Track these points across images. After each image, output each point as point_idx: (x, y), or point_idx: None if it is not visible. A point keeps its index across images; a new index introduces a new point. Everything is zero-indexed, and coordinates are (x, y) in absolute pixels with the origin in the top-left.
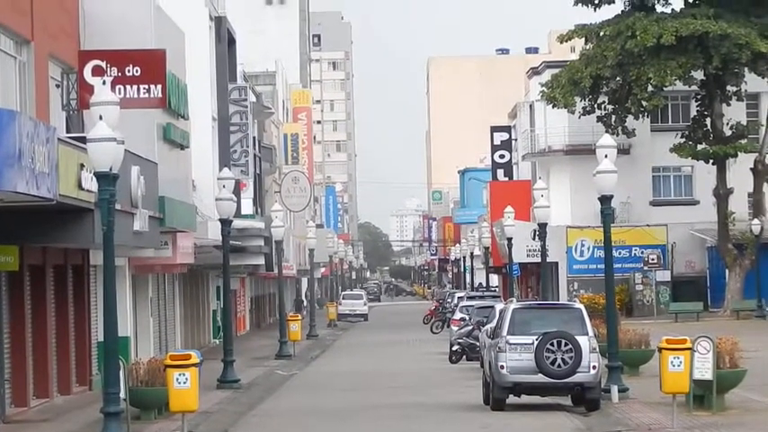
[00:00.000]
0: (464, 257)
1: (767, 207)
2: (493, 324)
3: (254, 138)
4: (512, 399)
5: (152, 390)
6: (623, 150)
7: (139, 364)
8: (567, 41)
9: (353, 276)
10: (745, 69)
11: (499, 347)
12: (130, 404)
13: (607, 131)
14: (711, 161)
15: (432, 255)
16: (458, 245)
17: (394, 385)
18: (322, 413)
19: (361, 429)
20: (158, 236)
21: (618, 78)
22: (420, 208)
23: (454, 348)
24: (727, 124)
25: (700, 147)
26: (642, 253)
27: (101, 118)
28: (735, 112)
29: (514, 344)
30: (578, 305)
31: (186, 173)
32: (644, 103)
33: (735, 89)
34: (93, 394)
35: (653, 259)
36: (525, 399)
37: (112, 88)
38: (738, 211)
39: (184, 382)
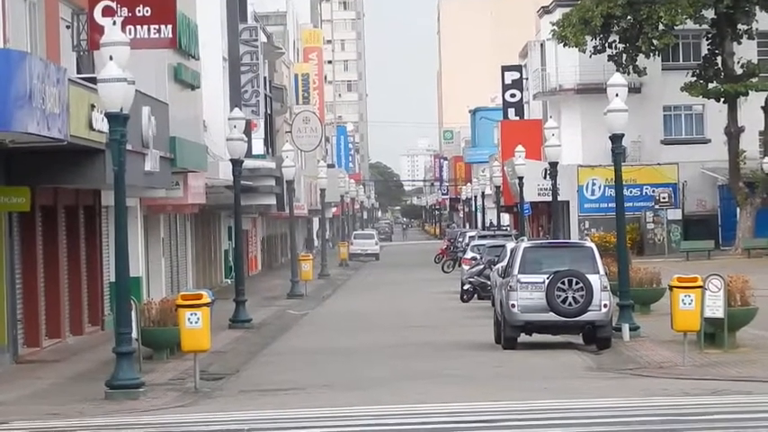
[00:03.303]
0: (475, 197)
1: None
2: (504, 263)
3: (264, 78)
4: (523, 337)
5: (164, 330)
6: (634, 89)
7: (151, 304)
8: None
9: (365, 216)
10: (756, 8)
11: (510, 286)
12: (142, 344)
13: (618, 70)
14: (722, 100)
15: (443, 194)
16: (469, 184)
17: (405, 324)
18: (333, 352)
19: (373, 368)
20: (169, 176)
21: (629, 17)
22: (431, 148)
23: (465, 287)
24: (738, 63)
25: (711, 85)
26: (653, 192)
27: (111, 58)
28: (746, 51)
29: (525, 282)
30: (589, 244)
31: (197, 113)
32: (655, 42)
33: (746, 28)
34: (106, 334)
35: (664, 198)
36: (536, 337)
37: (123, 29)
38: (749, 149)
39: (196, 322)
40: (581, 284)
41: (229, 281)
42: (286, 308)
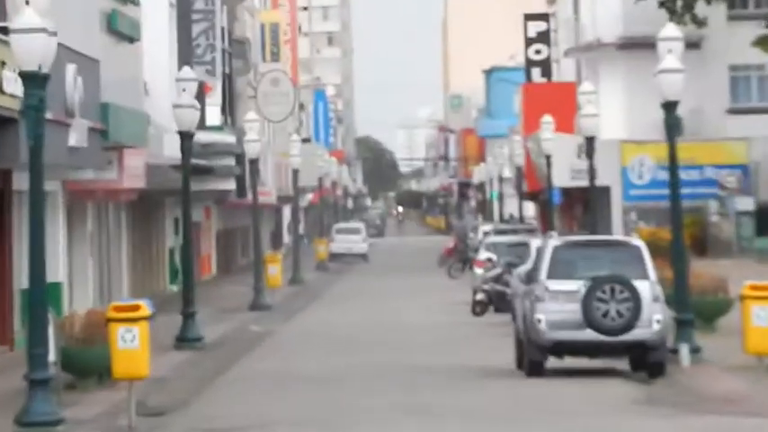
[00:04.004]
0: (490, 180)
1: None
2: (528, 266)
3: (222, 28)
4: (552, 362)
5: (90, 350)
6: (692, 44)
7: (75, 318)
8: None
9: (350, 205)
10: None
11: (536, 296)
12: (63, 369)
13: (672, 20)
14: None
15: (450, 177)
16: (482, 164)
17: (400, 344)
18: (308, 380)
19: (359, 400)
20: (100, 153)
21: None
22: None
23: (478, 297)
24: None
25: None
26: (717, 175)
27: (27, 3)
28: None
29: (556, 291)
30: (637, 241)
31: (136, 73)
32: None
33: None
34: (15, 356)
35: (731, 183)
36: (569, 362)
37: None
38: None
39: (132, 341)
40: (626, 294)
41: (175, 288)
42: (247, 323)
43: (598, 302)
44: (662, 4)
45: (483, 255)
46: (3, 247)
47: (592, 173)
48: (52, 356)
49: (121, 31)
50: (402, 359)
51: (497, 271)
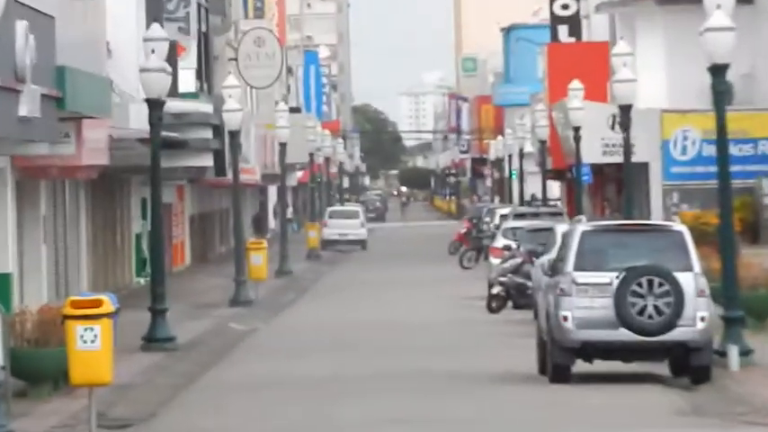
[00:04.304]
0: (509, 156)
1: None
2: (552, 255)
3: None
4: (580, 365)
5: (44, 353)
6: None
7: (26, 315)
8: None
9: (346, 184)
10: None
11: (562, 289)
12: (12, 374)
13: None
14: None
15: (462, 152)
16: (500, 138)
17: (404, 345)
18: (296, 387)
19: (354, 411)
20: (56, 124)
21: None
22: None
23: (495, 291)
24: None
25: None
26: None
27: None
28: None
29: (584, 284)
30: (679, 226)
31: (97, 31)
32: None
33: None
34: None
35: None
36: (600, 365)
37: None
38: None
39: (92, 342)
40: (667, 287)
41: (143, 280)
42: (227, 320)
43: (633, 297)
44: None
45: (500, 242)
46: None
47: (627, 147)
48: (0, 360)
49: None
50: (404, 363)
51: (517, 261)
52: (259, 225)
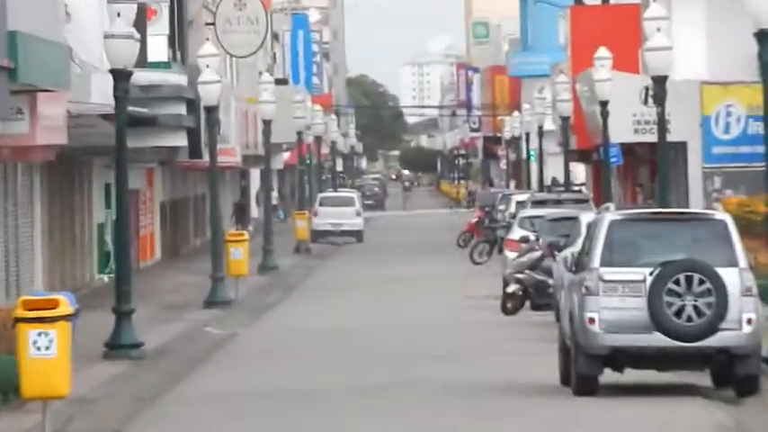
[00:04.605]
0: (527, 135)
1: None
2: (577, 248)
3: None
4: (608, 375)
5: None
6: None
7: None
8: None
9: (339, 167)
10: None
11: (587, 287)
12: None
13: None
14: None
15: (472, 130)
16: (516, 114)
17: (407, 352)
18: (282, 400)
19: (351, 429)
20: (7, 98)
21: None
22: (452, 52)
23: (511, 290)
24: None
25: None
26: None
27: None
28: None
29: (613, 281)
30: (722, 215)
31: None
32: None
33: None
34: None
35: None
36: (632, 375)
37: None
38: None
39: (47, 348)
40: (708, 285)
41: (106, 277)
42: (202, 324)
43: (670, 296)
44: None
45: (516, 233)
46: None
47: (662, 124)
48: None
49: None
50: (405, 374)
51: (536, 255)
52: (242, 214)
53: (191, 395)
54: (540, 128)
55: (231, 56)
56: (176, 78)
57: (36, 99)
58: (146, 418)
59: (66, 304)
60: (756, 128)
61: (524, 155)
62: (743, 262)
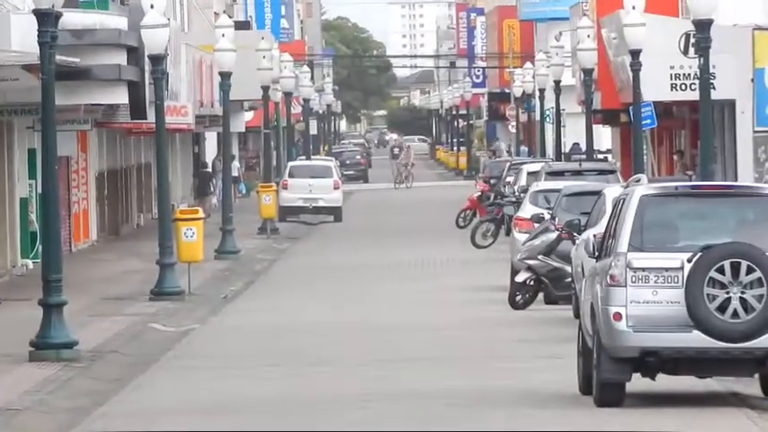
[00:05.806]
0: (542, 92)
1: None
2: (600, 229)
3: None
4: (637, 381)
5: None
6: None
7: None
8: None
9: (314, 130)
10: None
11: (613, 277)
12: None
13: None
14: None
15: (475, 85)
16: (529, 65)
17: (394, 355)
18: (241, 412)
19: None
20: None
21: None
22: None
23: (521, 279)
24: None
25: None
26: None
27: None
28: None
29: (644, 269)
30: None
31: None
32: None
33: None
34: None
35: None
36: (665, 382)
37: None
38: None
39: None
40: (758, 274)
41: (31, 263)
42: (148, 319)
43: (712, 288)
44: None
45: (528, 210)
46: None
47: (705, 80)
48: None
49: None
50: (394, 382)
51: (551, 237)
52: (195, 187)
53: (134, 406)
54: (558, 83)
55: None
56: (114, 21)
57: None
58: None
59: None
60: None
61: (538, 116)
62: None
